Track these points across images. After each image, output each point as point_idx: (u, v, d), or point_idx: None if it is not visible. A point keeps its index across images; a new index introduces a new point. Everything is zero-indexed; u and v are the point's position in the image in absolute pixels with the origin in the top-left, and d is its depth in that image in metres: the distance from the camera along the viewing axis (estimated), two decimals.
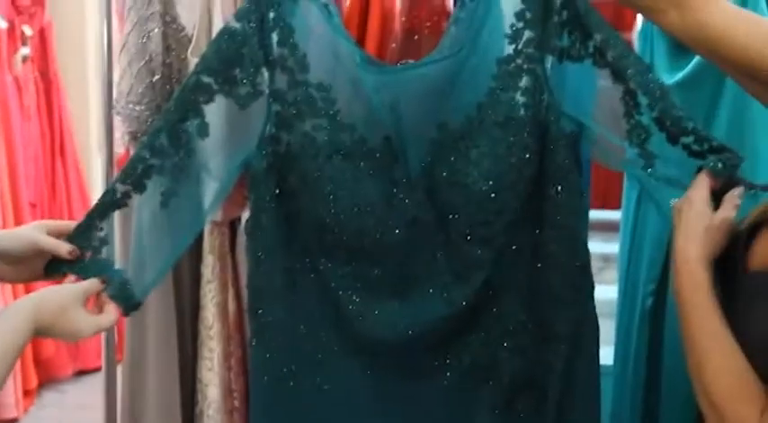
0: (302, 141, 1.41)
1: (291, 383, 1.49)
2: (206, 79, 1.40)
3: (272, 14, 1.42)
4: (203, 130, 1.41)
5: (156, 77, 2.00)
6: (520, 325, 1.46)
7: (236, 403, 2.11)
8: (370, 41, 1.80)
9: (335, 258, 1.46)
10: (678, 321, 1.20)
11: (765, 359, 1.13)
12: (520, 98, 1.39)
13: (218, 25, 1.97)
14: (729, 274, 1.26)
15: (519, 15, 1.39)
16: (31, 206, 3.78)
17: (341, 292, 1.47)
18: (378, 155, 1.42)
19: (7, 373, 1.13)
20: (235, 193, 1.66)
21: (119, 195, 1.40)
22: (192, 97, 1.40)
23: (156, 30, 2.00)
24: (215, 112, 1.41)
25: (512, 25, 1.39)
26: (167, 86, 2.03)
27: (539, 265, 1.43)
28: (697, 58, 1.69)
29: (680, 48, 1.72)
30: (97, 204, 1.42)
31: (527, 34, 1.38)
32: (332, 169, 1.41)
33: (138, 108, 1.98)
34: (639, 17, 2.35)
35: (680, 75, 1.71)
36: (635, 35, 2.79)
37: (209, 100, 1.40)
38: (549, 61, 1.39)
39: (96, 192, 4.23)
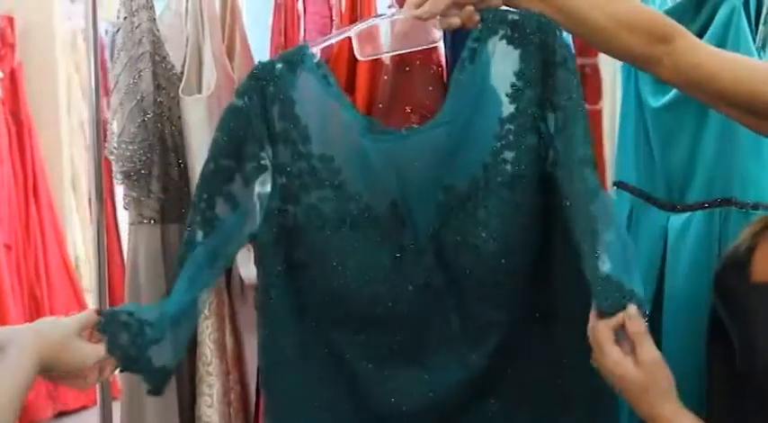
0: (308, 213, 1.41)
1: None
2: (224, 162, 1.41)
3: (271, 88, 1.42)
4: (233, 211, 1.42)
5: (148, 116, 2.01)
6: (537, 386, 1.44)
7: None
8: (361, 75, 1.81)
9: (348, 329, 1.45)
10: None
11: None
12: (524, 156, 1.38)
13: (208, 63, 1.99)
14: (734, 289, 1.29)
15: (519, 75, 1.38)
16: (6, 248, 3.75)
17: (355, 364, 1.46)
18: (385, 221, 1.41)
19: (14, 418, 1.12)
20: None
21: None
22: (215, 182, 1.41)
23: (147, 69, 2.01)
24: (236, 189, 1.42)
25: (512, 84, 1.38)
26: (159, 125, 2.04)
27: (553, 324, 1.42)
28: None
29: None
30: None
31: (528, 93, 1.38)
32: (339, 240, 1.40)
33: (131, 147, 1.98)
34: None
35: (666, 98, 1.74)
36: (600, 61, 2.83)
37: (231, 180, 1.41)
38: (552, 118, 1.37)
39: (70, 231, 4.21)
